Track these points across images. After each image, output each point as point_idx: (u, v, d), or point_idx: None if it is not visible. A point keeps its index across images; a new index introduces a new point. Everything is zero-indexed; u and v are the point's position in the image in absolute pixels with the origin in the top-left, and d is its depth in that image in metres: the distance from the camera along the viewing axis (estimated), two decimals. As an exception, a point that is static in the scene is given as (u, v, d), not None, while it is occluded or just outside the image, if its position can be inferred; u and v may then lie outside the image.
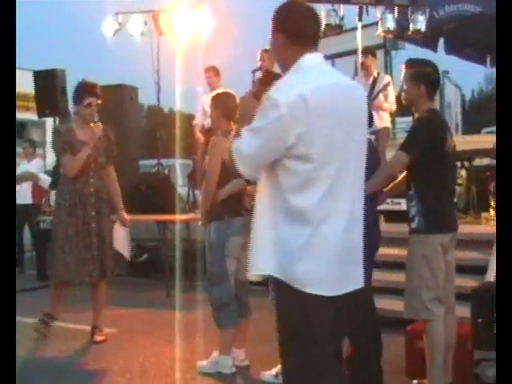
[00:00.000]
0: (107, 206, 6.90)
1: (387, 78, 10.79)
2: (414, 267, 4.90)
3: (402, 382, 5.44)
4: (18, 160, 10.15)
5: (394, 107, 10.53)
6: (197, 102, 11.66)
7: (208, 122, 9.33)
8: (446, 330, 4.90)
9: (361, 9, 10.64)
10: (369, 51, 10.85)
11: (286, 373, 3.12)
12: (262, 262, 3.05)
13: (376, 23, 10.84)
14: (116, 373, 5.90)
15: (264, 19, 3.22)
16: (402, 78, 5.06)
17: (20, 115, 13.24)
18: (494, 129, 16.33)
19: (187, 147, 12.56)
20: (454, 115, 17.40)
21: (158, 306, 8.75)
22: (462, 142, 9.46)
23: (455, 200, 5.40)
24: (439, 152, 4.83)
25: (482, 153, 9.73)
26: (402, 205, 7.36)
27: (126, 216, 7.13)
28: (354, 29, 10.89)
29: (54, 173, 10.41)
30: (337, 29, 10.44)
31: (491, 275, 6.62)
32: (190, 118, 12.53)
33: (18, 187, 10.23)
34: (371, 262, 5.17)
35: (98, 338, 6.92)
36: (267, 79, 3.20)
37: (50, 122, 12.90)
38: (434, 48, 13.45)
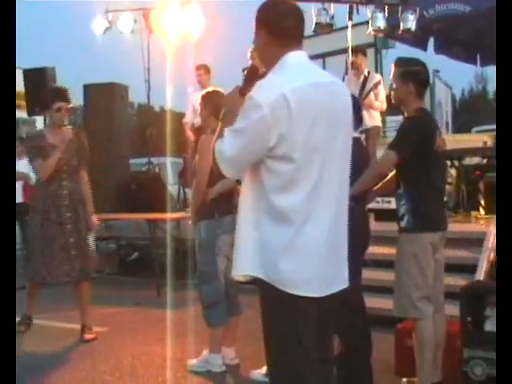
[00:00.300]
0: (83, 207, 6.92)
1: (378, 77, 10.80)
2: (403, 266, 4.90)
3: (391, 380, 5.45)
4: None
5: (384, 106, 10.54)
6: (187, 100, 11.66)
7: (198, 121, 9.32)
8: (436, 328, 4.91)
9: (351, 8, 10.68)
10: (359, 50, 10.85)
11: (271, 373, 3.11)
12: (245, 263, 3.03)
13: (366, 22, 10.85)
14: (106, 371, 5.90)
15: (254, 17, 3.20)
16: (391, 76, 5.07)
17: (10, 113, 13.18)
18: (484, 128, 16.44)
19: (178, 145, 12.53)
20: (444, 114, 17.46)
21: (148, 304, 8.74)
22: (452, 140, 9.51)
23: (445, 199, 5.41)
24: (428, 151, 4.84)
25: (472, 152, 9.77)
26: (391, 203, 7.37)
27: (96, 220, 7.15)
28: (345, 28, 10.92)
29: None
30: (327, 27, 10.46)
31: (481, 274, 6.66)
32: (181, 116, 12.51)
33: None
34: (360, 261, 5.18)
35: (88, 336, 6.92)
36: (252, 76, 3.15)
37: (40, 121, 12.88)
38: (425, 47, 13.48)
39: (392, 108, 7.31)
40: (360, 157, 5.00)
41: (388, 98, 6.41)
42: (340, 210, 3.10)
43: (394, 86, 5.03)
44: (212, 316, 5.78)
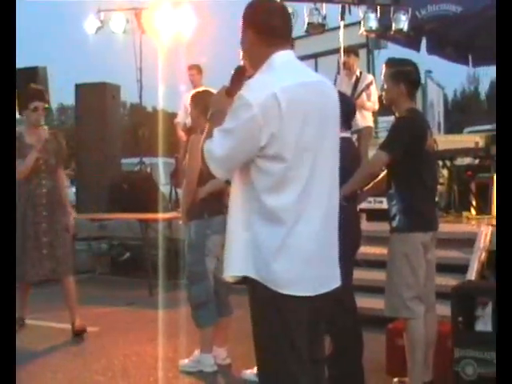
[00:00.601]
0: (60, 207, 6.93)
1: (370, 78, 10.81)
2: (394, 266, 4.91)
3: (382, 380, 5.46)
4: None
5: (376, 106, 10.55)
6: (179, 100, 11.65)
7: (190, 121, 9.31)
8: (427, 328, 4.92)
9: (343, 8, 10.67)
10: (351, 50, 10.86)
11: (261, 373, 3.10)
12: (237, 263, 3.01)
13: (358, 22, 10.86)
14: (97, 371, 5.89)
15: (241, 17, 3.18)
16: (382, 77, 5.08)
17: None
18: (475, 128, 16.48)
19: (170, 145, 12.53)
20: (436, 115, 17.48)
21: (140, 304, 8.73)
22: (444, 141, 9.55)
23: (436, 199, 5.42)
24: (419, 151, 4.85)
25: (464, 152, 9.79)
26: (383, 203, 7.37)
27: (73, 222, 7.14)
28: (337, 28, 10.92)
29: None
30: (319, 28, 10.46)
31: (472, 274, 6.67)
32: (173, 116, 12.50)
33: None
34: (352, 261, 5.19)
35: (79, 325, 6.96)
36: (240, 76, 3.13)
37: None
38: (417, 48, 13.49)
39: (384, 108, 7.32)
40: (351, 157, 5.01)
41: (380, 98, 6.42)
42: (331, 209, 3.09)
43: (386, 86, 5.05)
44: (201, 316, 5.78)
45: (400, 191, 4.90)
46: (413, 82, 5.02)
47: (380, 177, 5.18)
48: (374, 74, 11.88)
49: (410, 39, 12.32)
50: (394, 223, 4.93)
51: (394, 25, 10.52)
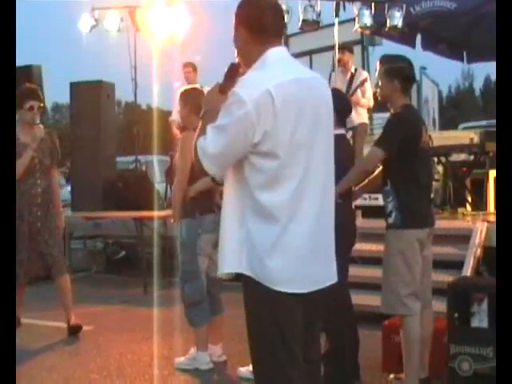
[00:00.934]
0: (52, 206, 6.93)
1: (364, 74, 10.79)
2: (390, 262, 4.91)
3: (378, 376, 5.46)
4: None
5: (371, 103, 10.53)
6: (174, 98, 11.62)
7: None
8: (423, 324, 4.92)
9: (338, 5, 10.66)
10: (346, 47, 10.85)
11: (256, 371, 3.09)
12: (231, 260, 3.00)
13: (353, 19, 10.84)
14: (93, 370, 5.88)
15: (233, 15, 3.17)
16: (377, 74, 5.07)
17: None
18: (470, 124, 16.49)
19: (165, 143, 12.50)
20: (431, 111, 17.47)
21: (135, 302, 8.73)
22: (439, 137, 9.53)
23: (432, 195, 5.42)
24: (414, 147, 4.84)
25: (459, 148, 9.78)
26: (379, 200, 7.38)
27: (63, 221, 7.16)
28: (331, 25, 10.89)
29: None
30: (314, 25, 10.46)
31: (467, 270, 6.68)
32: (168, 114, 12.50)
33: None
34: (347, 258, 5.19)
35: (74, 322, 6.96)
36: (233, 73, 3.12)
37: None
38: (412, 44, 13.47)
39: (379, 105, 7.32)
40: (345, 154, 5.01)
41: (375, 95, 6.42)
42: (326, 206, 3.08)
43: (380, 83, 5.04)
44: (195, 315, 5.77)
45: (395, 188, 4.89)
46: (407, 78, 5.01)
47: (375, 173, 5.17)
48: (368, 71, 11.86)
49: (404, 36, 12.31)
50: (390, 220, 4.92)
51: (388, 21, 10.51)
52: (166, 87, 12.46)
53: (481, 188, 8.95)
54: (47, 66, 11.37)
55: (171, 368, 5.88)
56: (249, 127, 2.85)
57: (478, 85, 60.69)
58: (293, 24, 10.32)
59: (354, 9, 10.63)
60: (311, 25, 10.45)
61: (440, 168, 9.76)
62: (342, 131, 5.18)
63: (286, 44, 13.06)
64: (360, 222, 7.29)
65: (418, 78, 10.91)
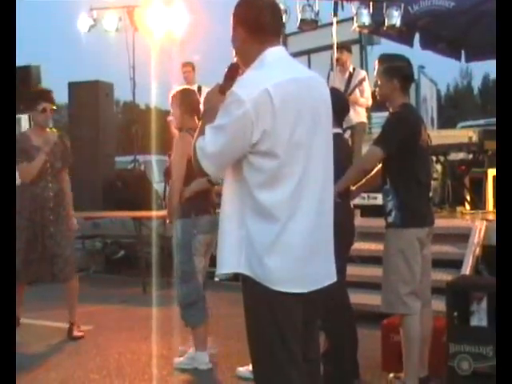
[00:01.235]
0: (64, 210, 6.93)
1: (363, 73, 10.78)
2: (390, 261, 4.91)
3: (378, 375, 5.46)
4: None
5: (370, 102, 10.53)
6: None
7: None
8: (422, 323, 4.92)
9: (336, 4, 10.67)
10: (344, 46, 10.84)
11: (255, 370, 3.09)
12: (230, 260, 3.00)
13: (351, 18, 10.86)
14: (92, 370, 5.87)
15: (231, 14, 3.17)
16: (375, 73, 5.07)
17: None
18: (469, 123, 16.49)
19: (163, 143, 12.50)
20: (429, 110, 17.46)
21: (134, 302, 8.73)
22: (437, 136, 9.51)
23: (430, 194, 5.42)
24: (413, 146, 4.84)
25: (458, 147, 9.79)
26: (378, 199, 7.38)
27: (75, 223, 7.17)
28: (330, 24, 10.90)
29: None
30: (312, 24, 10.48)
31: (466, 269, 6.68)
32: (166, 113, 12.45)
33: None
34: (345, 258, 5.19)
35: (77, 333, 6.92)
36: (233, 73, 3.11)
37: (24, 119, 12.80)
38: (410, 43, 13.46)
39: (377, 104, 7.33)
40: (343, 153, 5.01)
41: (373, 94, 6.42)
42: (325, 205, 3.08)
43: (379, 82, 5.03)
44: (192, 315, 5.76)
45: (395, 187, 4.89)
46: (406, 77, 5.01)
47: (373, 172, 5.17)
48: (367, 70, 11.87)
49: (402, 35, 12.31)
50: (390, 219, 4.92)
51: (386, 20, 10.53)
52: (164, 87, 12.43)
53: (479, 187, 8.95)
54: (46, 65, 11.37)
55: (170, 368, 5.87)
56: (247, 126, 2.84)
57: (476, 83, 60.70)
58: (291, 23, 10.35)
59: (352, 8, 10.66)
60: (309, 24, 10.47)
61: (439, 167, 9.77)
62: (338, 130, 5.17)
63: (285, 43, 13.08)
64: (359, 221, 7.30)
65: (416, 76, 10.87)
